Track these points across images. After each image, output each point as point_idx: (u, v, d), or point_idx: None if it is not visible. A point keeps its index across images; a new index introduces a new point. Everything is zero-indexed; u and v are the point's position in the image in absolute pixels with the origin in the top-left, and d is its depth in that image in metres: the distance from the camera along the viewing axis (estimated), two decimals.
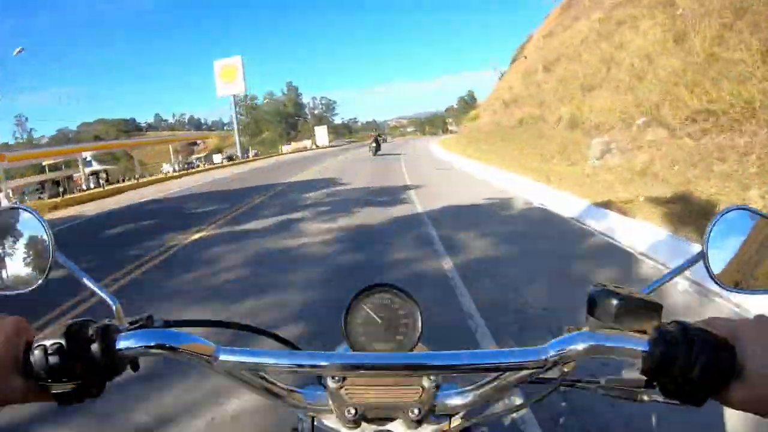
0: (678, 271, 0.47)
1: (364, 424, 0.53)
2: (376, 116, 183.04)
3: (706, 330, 0.39)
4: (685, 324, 0.41)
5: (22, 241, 0.51)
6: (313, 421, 0.57)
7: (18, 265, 0.51)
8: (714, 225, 0.46)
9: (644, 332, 0.42)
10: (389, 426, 0.54)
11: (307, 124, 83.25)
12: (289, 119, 78.96)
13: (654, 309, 0.43)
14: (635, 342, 0.42)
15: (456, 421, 0.55)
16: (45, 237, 0.50)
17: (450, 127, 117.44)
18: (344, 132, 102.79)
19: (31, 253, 0.51)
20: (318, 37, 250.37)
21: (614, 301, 0.43)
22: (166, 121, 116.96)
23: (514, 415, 0.41)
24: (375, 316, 0.54)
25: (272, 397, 0.53)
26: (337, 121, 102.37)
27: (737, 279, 0.47)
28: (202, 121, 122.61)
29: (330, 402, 0.52)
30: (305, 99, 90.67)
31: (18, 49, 35.52)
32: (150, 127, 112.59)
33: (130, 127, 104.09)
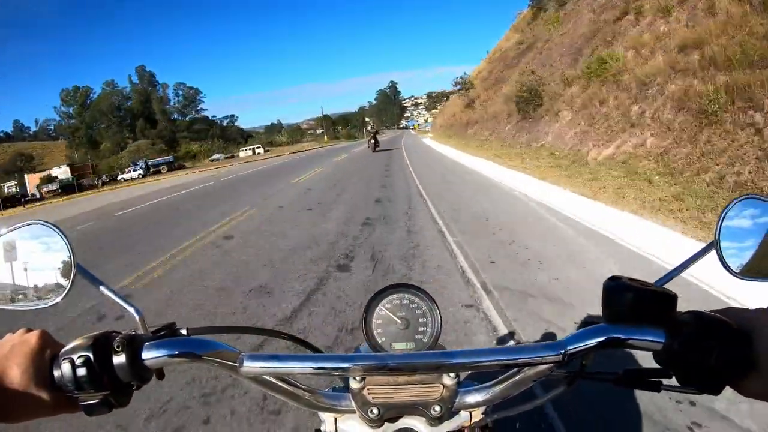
0: (690, 262, 0.47)
1: (386, 423, 0.53)
2: (284, 119, 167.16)
3: (722, 319, 0.39)
4: (701, 314, 0.41)
5: (44, 256, 0.51)
6: (335, 422, 0.57)
7: (41, 280, 0.51)
8: (725, 215, 0.46)
9: (661, 323, 0.42)
10: (411, 424, 0.54)
11: (150, 128, 51.65)
12: (134, 120, 53.02)
13: (668, 300, 0.43)
14: (652, 333, 0.42)
15: (477, 417, 0.55)
16: (66, 250, 0.51)
17: (367, 127, 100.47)
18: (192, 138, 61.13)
19: (52, 267, 0.51)
20: (220, 41, 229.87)
21: (629, 294, 0.43)
22: (27, 129, 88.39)
23: (534, 408, 0.47)
24: (394, 317, 0.53)
25: (295, 399, 0.53)
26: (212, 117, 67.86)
27: (750, 267, 0.46)
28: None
29: (353, 402, 0.52)
30: (161, 90, 60.94)
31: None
32: (8, 137, 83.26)
33: None
